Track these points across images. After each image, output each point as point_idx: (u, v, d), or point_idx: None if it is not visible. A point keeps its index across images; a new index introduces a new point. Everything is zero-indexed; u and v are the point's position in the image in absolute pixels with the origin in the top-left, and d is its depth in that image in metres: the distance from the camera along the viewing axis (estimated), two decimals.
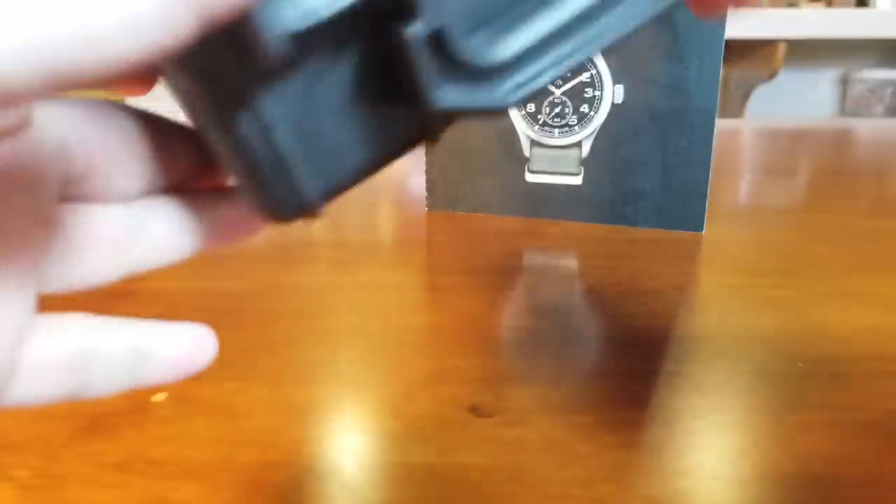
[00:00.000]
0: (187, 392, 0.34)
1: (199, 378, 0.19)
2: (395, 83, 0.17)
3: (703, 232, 0.58)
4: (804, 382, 0.36)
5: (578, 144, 0.59)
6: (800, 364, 0.37)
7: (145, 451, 0.30)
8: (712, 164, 0.56)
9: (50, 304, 0.17)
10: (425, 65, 0.17)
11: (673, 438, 0.31)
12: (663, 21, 0.60)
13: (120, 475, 0.29)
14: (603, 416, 0.32)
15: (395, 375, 0.36)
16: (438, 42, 0.17)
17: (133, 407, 0.33)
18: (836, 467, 0.29)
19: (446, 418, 0.32)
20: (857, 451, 0.30)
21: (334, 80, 0.17)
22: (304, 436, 0.31)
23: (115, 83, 0.17)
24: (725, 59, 0.55)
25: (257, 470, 0.29)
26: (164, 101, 0.22)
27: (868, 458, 0.29)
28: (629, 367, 0.37)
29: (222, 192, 0.21)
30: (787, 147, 1.01)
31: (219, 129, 0.17)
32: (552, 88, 0.58)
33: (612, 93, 0.57)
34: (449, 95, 0.18)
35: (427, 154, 0.64)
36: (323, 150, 0.17)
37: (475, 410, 0.33)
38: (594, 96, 0.57)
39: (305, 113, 0.17)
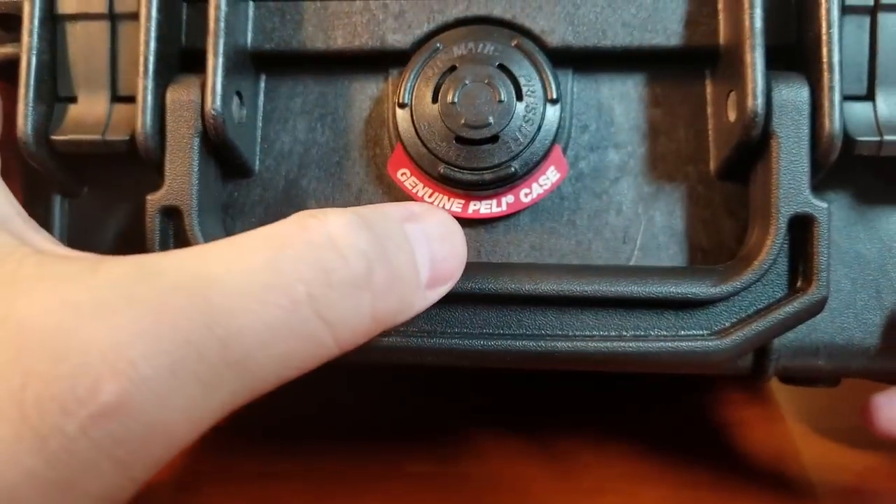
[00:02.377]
0: None
1: None
2: None
3: None
4: (817, 389, 0.32)
5: None
6: None
7: None
8: None
9: None
10: None
11: (681, 448, 0.29)
12: None
13: None
14: (608, 425, 0.31)
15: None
16: None
17: None
18: (848, 475, 0.28)
19: (447, 426, 0.31)
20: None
21: None
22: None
23: None
24: None
25: None
26: None
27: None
28: (636, 374, 0.35)
29: None
30: None
31: None
32: None
33: None
34: None
35: None
36: None
37: (477, 418, 0.31)
38: None
39: None
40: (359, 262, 0.16)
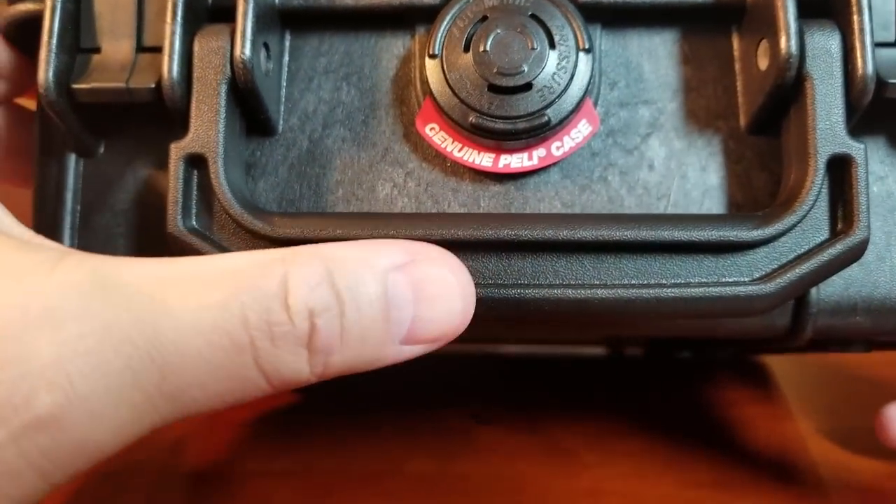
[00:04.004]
0: None
1: None
2: None
3: None
4: (823, 388, 0.34)
5: None
6: None
7: None
8: None
9: None
10: None
11: (681, 448, 0.29)
12: None
13: None
14: (609, 425, 0.30)
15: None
16: None
17: None
18: (854, 475, 0.27)
19: (447, 425, 0.30)
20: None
21: None
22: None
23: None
24: None
25: None
26: None
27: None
28: (636, 371, 0.35)
29: None
30: None
31: None
32: None
33: None
34: None
35: None
36: None
37: (477, 417, 0.31)
38: None
39: None
40: (303, 322, 0.16)
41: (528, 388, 0.34)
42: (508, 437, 0.30)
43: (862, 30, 0.20)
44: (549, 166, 0.22)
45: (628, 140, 0.22)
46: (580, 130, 0.22)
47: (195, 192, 0.21)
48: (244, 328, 0.16)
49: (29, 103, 0.26)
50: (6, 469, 0.14)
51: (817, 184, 0.20)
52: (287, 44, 0.23)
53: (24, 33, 0.22)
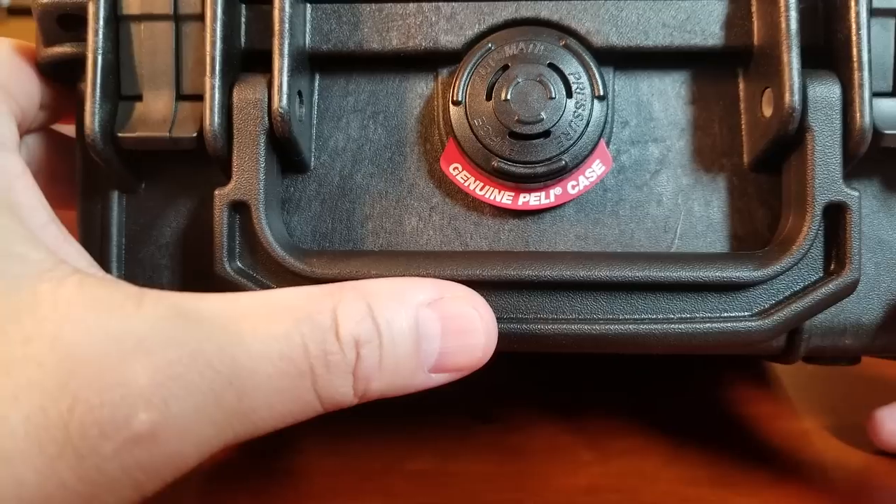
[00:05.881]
0: None
1: None
2: None
3: None
4: (828, 386, 0.34)
5: None
6: None
7: None
8: None
9: None
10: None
11: (680, 445, 0.29)
12: None
13: None
14: (608, 422, 0.31)
15: None
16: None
17: None
18: (856, 472, 0.28)
19: (447, 423, 0.31)
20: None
21: None
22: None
23: None
24: None
25: None
26: None
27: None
28: (636, 368, 0.35)
29: None
30: None
31: None
32: None
33: None
34: None
35: None
36: None
37: (477, 415, 0.31)
38: None
39: None
40: (351, 352, 0.18)
41: (527, 385, 0.34)
42: (508, 435, 0.30)
43: (861, 85, 0.21)
44: (564, 203, 0.24)
45: (638, 176, 0.24)
46: (594, 170, 0.23)
47: (238, 235, 0.22)
48: (305, 357, 0.18)
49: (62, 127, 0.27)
50: (107, 479, 0.16)
51: (813, 229, 0.21)
52: (317, 84, 0.24)
53: (61, 69, 0.23)
